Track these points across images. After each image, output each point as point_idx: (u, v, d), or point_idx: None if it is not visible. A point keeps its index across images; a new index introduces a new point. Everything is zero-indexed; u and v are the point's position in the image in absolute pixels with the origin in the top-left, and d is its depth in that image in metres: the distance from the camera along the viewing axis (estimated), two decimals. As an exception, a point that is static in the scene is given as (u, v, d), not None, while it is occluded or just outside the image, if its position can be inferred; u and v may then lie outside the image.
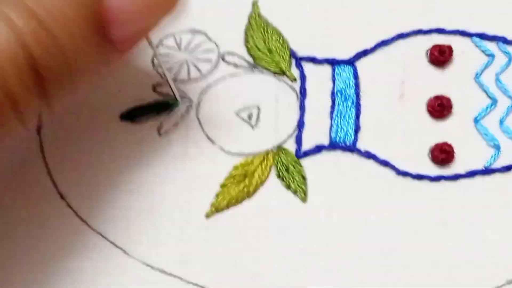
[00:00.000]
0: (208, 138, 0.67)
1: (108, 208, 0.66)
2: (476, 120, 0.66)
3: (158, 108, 0.68)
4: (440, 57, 0.67)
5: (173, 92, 0.67)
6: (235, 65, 0.69)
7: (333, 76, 0.68)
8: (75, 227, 0.66)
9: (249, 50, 0.69)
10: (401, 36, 0.69)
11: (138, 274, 0.64)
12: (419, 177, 0.65)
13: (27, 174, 0.68)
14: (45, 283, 0.65)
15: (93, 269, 0.64)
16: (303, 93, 0.68)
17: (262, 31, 0.69)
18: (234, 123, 0.67)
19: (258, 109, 0.67)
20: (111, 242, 0.65)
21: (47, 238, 0.66)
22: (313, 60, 0.68)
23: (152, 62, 0.70)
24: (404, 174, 0.65)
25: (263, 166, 0.66)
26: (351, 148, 0.66)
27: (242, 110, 0.68)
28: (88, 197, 0.66)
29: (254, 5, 0.71)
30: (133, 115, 0.68)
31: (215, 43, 0.69)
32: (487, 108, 0.67)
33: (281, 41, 0.69)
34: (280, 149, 0.66)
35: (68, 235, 0.66)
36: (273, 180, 0.65)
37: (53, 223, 0.66)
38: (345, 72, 0.68)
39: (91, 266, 0.65)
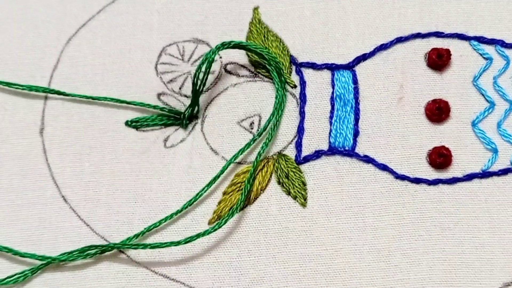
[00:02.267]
0: (212, 149, 0.68)
1: (112, 213, 0.66)
2: (473, 124, 0.66)
3: (163, 120, 0.69)
4: (438, 60, 0.67)
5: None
6: (237, 75, 0.69)
7: (333, 81, 0.68)
8: (77, 230, 0.66)
9: (250, 59, 0.70)
10: (399, 40, 0.69)
11: (141, 279, 0.65)
12: (417, 180, 0.65)
13: (30, 176, 0.68)
14: (47, 286, 0.65)
15: (96, 273, 0.65)
16: (303, 99, 0.68)
17: (263, 38, 0.70)
18: (236, 132, 0.68)
19: (259, 117, 0.68)
20: (115, 247, 0.66)
21: (49, 241, 0.66)
22: (312, 65, 0.69)
23: (156, 70, 0.70)
24: (402, 177, 0.65)
25: (263, 173, 0.66)
26: (350, 153, 0.66)
27: (244, 119, 0.68)
28: (92, 201, 0.67)
29: (255, 11, 0.71)
30: (138, 123, 0.69)
31: (218, 53, 0.70)
32: (484, 111, 0.67)
33: (281, 48, 0.69)
34: (280, 155, 0.67)
35: (71, 238, 0.66)
36: (273, 187, 0.66)
37: (56, 227, 0.67)
38: (344, 77, 0.68)
39: (94, 270, 0.65)
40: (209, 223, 0.65)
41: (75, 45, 0.72)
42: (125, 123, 0.69)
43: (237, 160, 0.67)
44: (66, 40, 0.72)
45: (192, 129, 0.68)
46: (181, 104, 0.69)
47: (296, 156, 0.67)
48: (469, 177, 0.65)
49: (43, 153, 0.69)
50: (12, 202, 0.68)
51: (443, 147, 0.66)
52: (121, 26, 0.72)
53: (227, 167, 0.66)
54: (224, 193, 0.66)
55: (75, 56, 0.72)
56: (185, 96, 0.69)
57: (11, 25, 0.73)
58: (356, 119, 0.67)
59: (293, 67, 0.69)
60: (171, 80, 0.70)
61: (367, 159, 0.66)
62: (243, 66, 0.70)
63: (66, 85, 0.71)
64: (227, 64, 0.70)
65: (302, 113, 0.68)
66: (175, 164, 0.67)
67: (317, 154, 0.66)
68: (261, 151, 0.65)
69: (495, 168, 0.65)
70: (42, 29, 0.73)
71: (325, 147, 0.67)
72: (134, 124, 0.69)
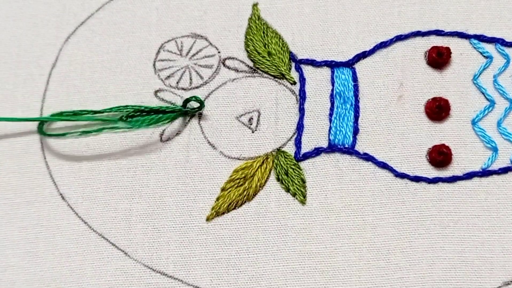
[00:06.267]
0: (209, 143, 0.67)
1: (109, 210, 0.66)
2: (473, 122, 0.66)
3: (159, 115, 0.68)
4: (439, 59, 0.67)
5: None
6: (236, 70, 0.69)
7: (332, 78, 0.68)
8: (76, 228, 0.66)
9: (249, 55, 0.70)
10: (399, 38, 0.69)
11: (139, 276, 0.64)
12: (417, 179, 0.65)
13: (28, 174, 0.68)
14: (46, 284, 0.65)
15: (94, 270, 0.65)
16: (302, 95, 0.68)
17: (262, 34, 0.70)
18: (234, 127, 0.68)
19: (259, 113, 0.68)
20: (113, 244, 0.66)
21: (47, 239, 0.66)
22: (312, 62, 0.69)
23: (154, 67, 0.70)
24: (402, 176, 0.65)
25: (262, 170, 0.66)
26: (350, 150, 0.66)
27: (243, 115, 0.68)
28: (89, 198, 0.67)
29: (254, 7, 0.71)
30: (135, 127, 0.68)
31: (216, 48, 0.70)
32: (484, 110, 0.67)
33: (280, 44, 0.69)
34: (279, 152, 0.67)
35: (69, 237, 0.66)
36: (272, 183, 0.66)
37: (54, 224, 0.67)
38: (344, 74, 0.68)
39: (92, 267, 0.65)
40: (207, 219, 0.65)
41: (74, 43, 0.72)
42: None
43: (235, 156, 0.67)
44: (65, 39, 0.72)
45: (188, 121, 0.68)
46: (178, 97, 0.69)
47: (295, 153, 0.67)
48: (469, 176, 0.65)
49: (41, 151, 0.69)
50: (10, 200, 0.68)
51: (443, 145, 0.66)
52: (120, 23, 0.72)
53: None
54: (223, 189, 0.66)
55: (73, 54, 0.72)
56: (183, 89, 0.69)
57: (10, 23, 0.73)
58: (356, 117, 0.67)
59: (293, 64, 0.69)
60: (168, 76, 0.70)
61: (367, 157, 0.66)
62: (242, 61, 0.69)
63: (64, 83, 0.71)
64: (226, 59, 0.70)
65: (301, 110, 0.68)
66: (171, 158, 0.67)
67: (317, 152, 0.66)
68: None
69: (495, 166, 0.65)
70: (41, 27, 0.73)
71: (324, 144, 0.67)
72: (129, 123, 0.68)
